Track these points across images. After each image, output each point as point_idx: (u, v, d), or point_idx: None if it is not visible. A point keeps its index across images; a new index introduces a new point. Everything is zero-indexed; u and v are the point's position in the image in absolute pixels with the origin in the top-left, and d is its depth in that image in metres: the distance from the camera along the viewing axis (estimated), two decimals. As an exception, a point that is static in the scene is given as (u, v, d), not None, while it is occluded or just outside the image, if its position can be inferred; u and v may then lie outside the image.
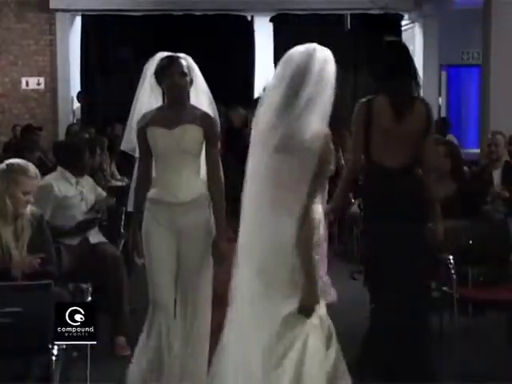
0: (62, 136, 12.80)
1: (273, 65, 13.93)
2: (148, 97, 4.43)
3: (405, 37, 14.64)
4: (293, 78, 3.10)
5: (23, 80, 13.83)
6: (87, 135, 10.44)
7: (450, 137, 10.41)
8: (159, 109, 4.23)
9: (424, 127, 4.27)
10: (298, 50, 3.29)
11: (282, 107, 3.07)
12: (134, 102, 4.47)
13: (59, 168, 5.64)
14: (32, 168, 4.31)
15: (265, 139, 3.09)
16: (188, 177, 4.06)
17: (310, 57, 3.15)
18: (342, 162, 7.12)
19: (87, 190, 5.66)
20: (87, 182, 5.76)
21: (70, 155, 5.68)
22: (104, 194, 5.97)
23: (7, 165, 4.26)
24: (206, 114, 4.13)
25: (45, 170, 6.39)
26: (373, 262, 4.38)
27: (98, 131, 11.34)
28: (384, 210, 4.17)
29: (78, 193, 5.56)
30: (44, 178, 5.54)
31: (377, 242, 4.24)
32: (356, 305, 6.41)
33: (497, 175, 6.79)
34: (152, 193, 4.12)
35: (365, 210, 4.63)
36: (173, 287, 4.09)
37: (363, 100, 4.43)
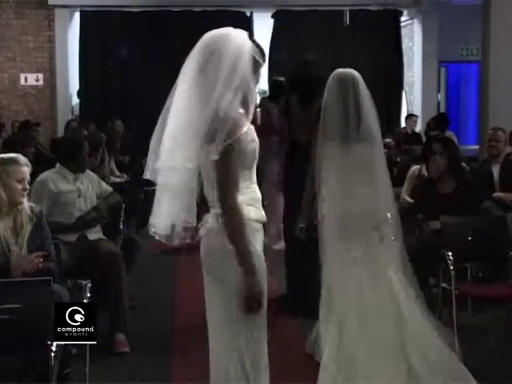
0: (60, 132, 12.80)
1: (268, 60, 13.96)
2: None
3: (404, 33, 14.65)
4: None
5: (22, 76, 13.82)
6: (86, 131, 10.42)
7: (449, 133, 10.40)
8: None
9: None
10: None
11: None
12: (169, 103, 3.37)
13: (58, 164, 5.62)
14: (21, 157, 4.37)
15: None
16: None
17: None
18: None
19: (87, 186, 5.60)
20: (89, 178, 5.69)
21: (67, 151, 5.63)
22: (110, 189, 5.90)
23: None
24: None
25: (44, 165, 6.37)
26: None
27: (98, 127, 11.31)
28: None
29: (76, 189, 5.51)
30: (40, 175, 5.52)
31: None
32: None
33: (496, 170, 6.79)
34: (254, 213, 3.14)
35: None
36: None
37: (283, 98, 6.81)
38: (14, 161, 4.27)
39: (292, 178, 5.96)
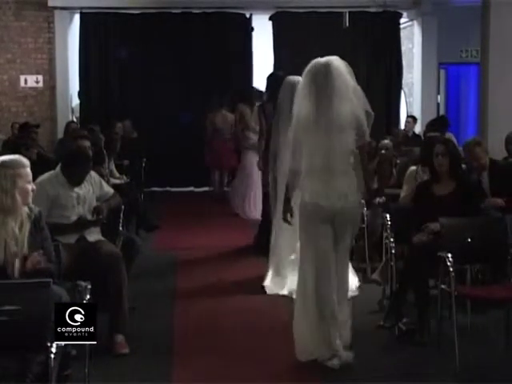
0: (60, 134, 12.81)
1: (272, 61, 13.98)
2: None
3: (403, 35, 14.65)
4: None
5: (22, 78, 13.83)
6: (86, 132, 10.41)
7: (449, 135, 10.39)
8: None
9: None
10: None
11: None
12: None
13: (58, 167, 5.59)
14: (23, 158, 4.38)
15: None
16: None
17: None
18: None
19: (88, 190, 5.56)
20: (90, 180, 5.64)
21: (67, 162, 5.57)
22: (111, 191, 5.85)
23: (2, 163, 4.25)
24: None
25: (45, 166, 6.36)
26: None
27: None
28: None
29: (75, 195, 5.46)
30: (40, 177, 5.48)
31: None
32: (354, 303, 6.42)
33: (484, 178, 6.66)
34: None
35: None
36: None
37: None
38: (22, 164, 4.28)
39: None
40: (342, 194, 4.78)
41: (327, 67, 4.83)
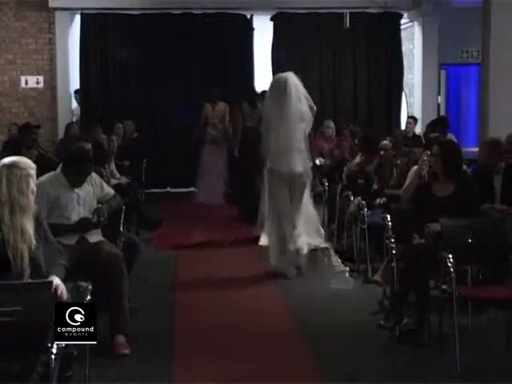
0: (61, 134, 12.80)
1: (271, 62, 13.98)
2: None
3: (404, 35, 14.66)
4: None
5: (22, 79, 13.83)
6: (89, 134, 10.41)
7: (450, 135, 10.39)
8: None
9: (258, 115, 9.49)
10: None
11: None
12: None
13: (59, 168, 5.59)
14: (30, 160, 4.37)
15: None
16: None
17: None
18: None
19: (88, 191, 5.57)
20: (91, 181, 5.65)
21: (69, 163, 5.57)
22: (112, 192, 5.86)
23: (16, 164, 4.23)
24: None
25: (45, 167, 6.36)
26: None
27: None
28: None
29: (75, 195, 5.47)
30: (40, 177, 5.48)
31: None
32: (355, 303, 6.42)
33: (497, 181, 6.64)
34: None
35: None
36: None
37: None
38: (31, 165, 4.29)
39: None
40: (297, 164, 7.29)
41: (286, 80, 7.27)
